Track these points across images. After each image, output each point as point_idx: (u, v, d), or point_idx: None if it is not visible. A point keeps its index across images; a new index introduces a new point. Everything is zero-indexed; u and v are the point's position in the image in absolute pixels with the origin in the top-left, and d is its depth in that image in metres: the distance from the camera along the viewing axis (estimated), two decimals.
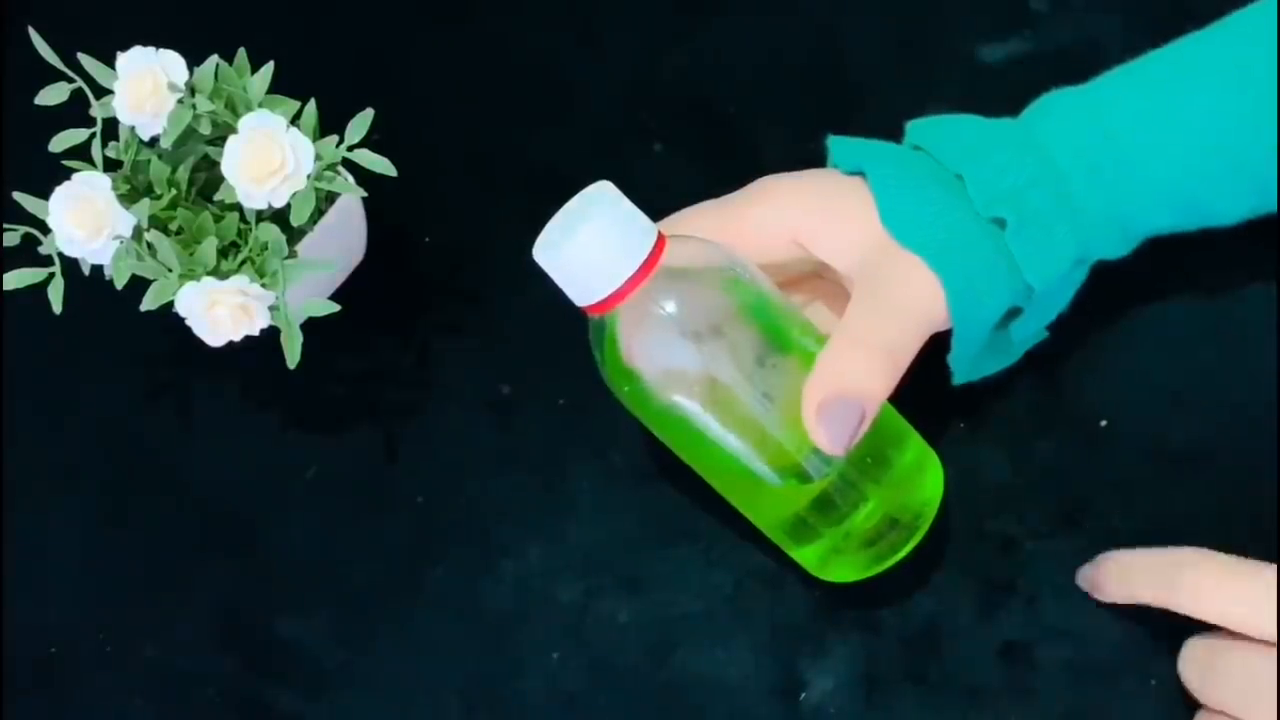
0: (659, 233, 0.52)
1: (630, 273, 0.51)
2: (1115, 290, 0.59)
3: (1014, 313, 0.56)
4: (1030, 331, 0.57)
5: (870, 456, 0.54)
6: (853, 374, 0.52)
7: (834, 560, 0.56)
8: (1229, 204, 0.56)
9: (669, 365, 0.52)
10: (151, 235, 0.57)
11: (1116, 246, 0.57)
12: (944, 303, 0.54)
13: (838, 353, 0.53)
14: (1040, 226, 0.54)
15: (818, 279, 0.59)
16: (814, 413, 0.51)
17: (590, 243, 0.51)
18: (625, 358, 0.53)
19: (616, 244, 0.51)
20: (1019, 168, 0.55)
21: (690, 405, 0.53)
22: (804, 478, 0.54)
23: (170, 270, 0.56)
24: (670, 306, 0.52)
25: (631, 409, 0.54)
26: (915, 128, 0.58)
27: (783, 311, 0.54)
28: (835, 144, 0.58)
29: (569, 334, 0.64)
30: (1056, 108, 0.57)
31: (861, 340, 0.53)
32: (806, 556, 0.56)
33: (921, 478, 0.55)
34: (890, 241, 0.54)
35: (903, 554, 0.55)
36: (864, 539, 0.55)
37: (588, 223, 0.51)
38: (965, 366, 0.56)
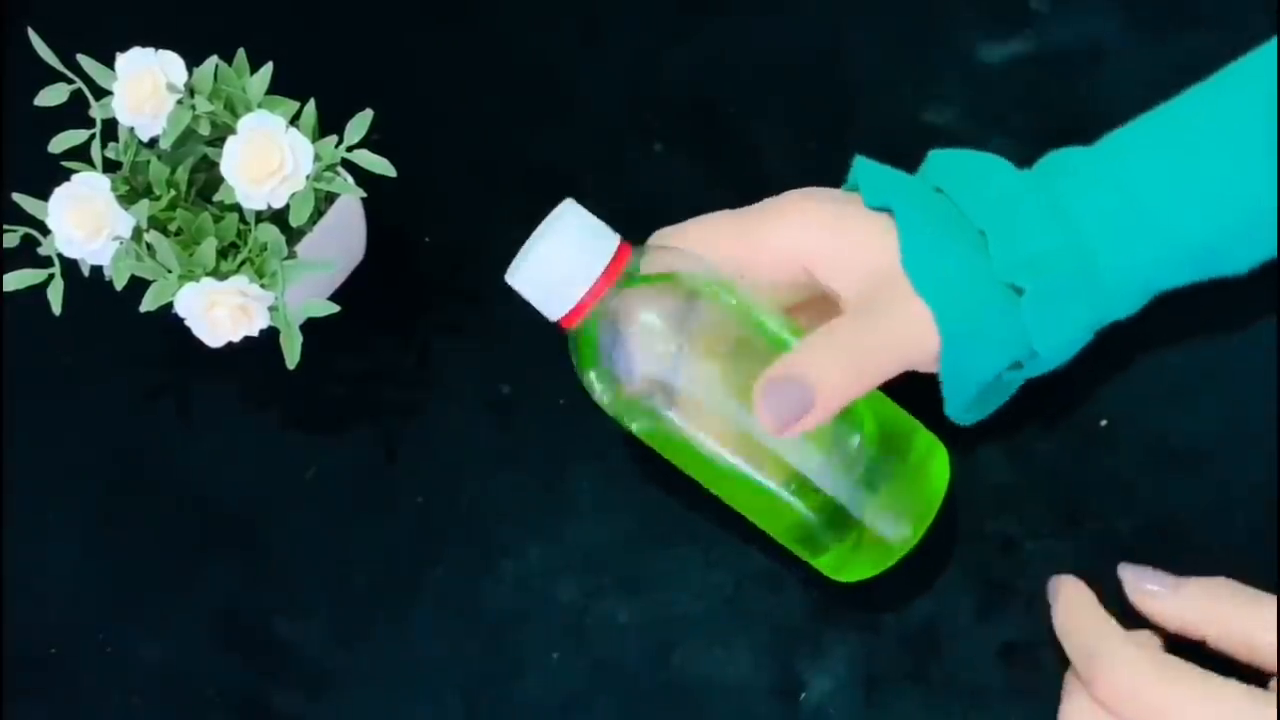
0: (619, 242, 0.53)
1: (589, 284, 0.52)
2: None
3: (1014, 364, 0.56)
4: (1028, 377, 0.57)
5: (872, 468, 0.54)
6: (811, 361, 0.52)
7: (850, 563, 0.56)
8: (1244, 256, 0.56)
9: (645, 376, 0.53)
10: (151, 236, 0.57)
11: (1130, 307, 0.56)
12: (934, 351, 0.54)
13: (808, 342, 0.53)
14: (1057, 299, 0.54)
15: (813, 308, 0.58)
16: (760, 386, 0.51)
17: (547, 257, 0.52)
18: (608, 374, 0.53)
19: (573, 257, 0.52)
20: (1042, 233, 0.54)
21: (670, 417, 0.53)
22: (803, 483, 0.54)
23: (170, 271, 0.56)
24: (641, 317, 0.53)
25: (619, 422, 0.55)
26: (937, 163, 0.57)
27: (765, 318, 0.54)
28: (863, 173, 0.57)
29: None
30: (1078, 169, 0.56)
31: (833, 339, 0.53)
32: (824, 565, 0.56)
33: (926, 473, 0.55)
34: (897, 277, 0.54)
35: (915, 542, 0.55)
36: (872, 539, 0.55)
37: (545, 239, 0.52)
38: (961, 414, 0.57)
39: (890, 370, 0.54)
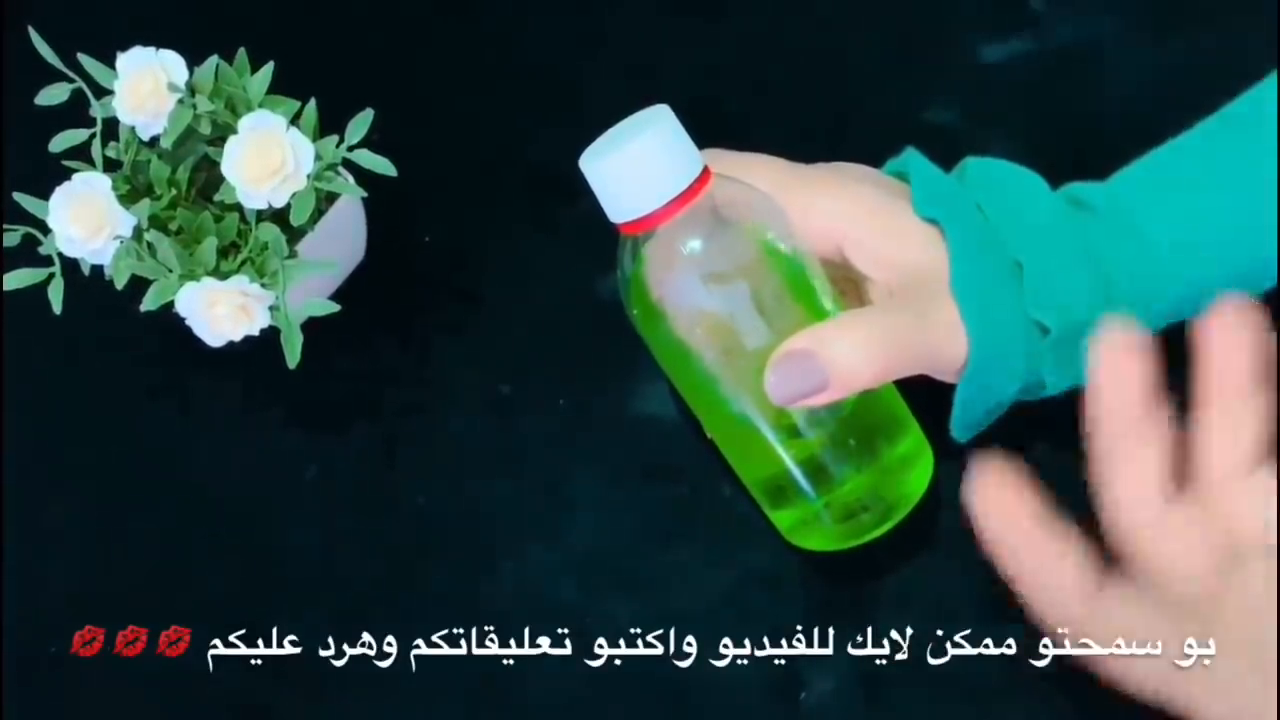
0: (706, 167, 0.52)
1: (669, 198, 0.51)
2: None
3: (1023, 390, 0.56)
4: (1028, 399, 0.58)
5: (858, 441, 0.55)
6: (839, 345, 0.52)
7: (805, 529, 0.56)
8: (1252, 289, 0.56)
9: (686, 300, 0.53)
10: (151, 235, 0.57)
11: None
12: (956, 365, 0.54)
13: (840, 322, 0.53)
14: (1077, 344, 0.54)
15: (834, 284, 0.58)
16: (778, 356, 0.52)
17: (636, 159, 0.51)
18: (646, 284, 0.53)
19: (662, 166, 0.51)
20: (1074, 279, 0.54)
21: (699, 344, 0.53)
22: (793, 433, 0.54)
23: (170, 270, 0.56)
24: (699, 243, 0.52)
25: (642, 335, 0.55)
26: (976, 174, 0.57)
27: (811, 273, 0.54)
28: (917, 179, 0.56)
29: (569, 334, 0.65)
30: (1101, 211, 0.56)
31: (866, 326, 0.53)
32: (781, 519, 0.57)
33: (907, 473, 0.55)
34: (937, 283, 0.54)
35: (869, 538, 0.55)
36: (836, 515, 0.55)
37: (637, 139, 0.51)
38: (963, 432, 0.57)
39: (911, 370, 0.54)
